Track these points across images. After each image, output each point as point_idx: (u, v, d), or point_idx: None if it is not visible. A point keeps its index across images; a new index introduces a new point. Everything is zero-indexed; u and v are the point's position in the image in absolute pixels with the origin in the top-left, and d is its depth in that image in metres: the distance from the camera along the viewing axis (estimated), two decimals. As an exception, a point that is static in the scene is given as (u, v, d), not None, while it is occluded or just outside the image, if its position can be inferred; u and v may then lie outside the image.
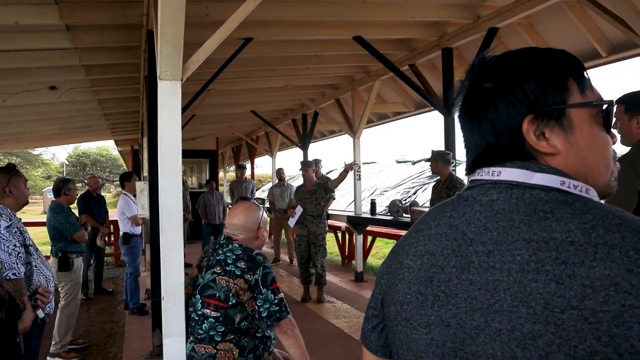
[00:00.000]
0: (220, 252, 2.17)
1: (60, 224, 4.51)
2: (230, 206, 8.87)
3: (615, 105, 2.36)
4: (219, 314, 2.04)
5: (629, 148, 2.36)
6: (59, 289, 4.44)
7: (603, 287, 0.56)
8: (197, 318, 2.09)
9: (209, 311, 2.06)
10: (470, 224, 0.70)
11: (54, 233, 4.54)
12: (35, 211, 29.29)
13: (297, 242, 6.44)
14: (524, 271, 0.61)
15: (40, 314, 2.59)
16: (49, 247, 4.63)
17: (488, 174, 0.72)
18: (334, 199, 6.29)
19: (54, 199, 4.81)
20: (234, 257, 2.12)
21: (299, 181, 7.32)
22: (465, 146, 0.79)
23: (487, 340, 0.62)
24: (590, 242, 0.59)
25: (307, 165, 6.44)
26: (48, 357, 4.39)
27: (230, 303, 2.03)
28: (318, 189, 6.31)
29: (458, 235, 0.71)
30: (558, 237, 0.61)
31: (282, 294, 2.13)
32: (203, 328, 2.06)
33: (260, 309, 2.05)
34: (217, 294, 2.05)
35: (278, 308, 2.07)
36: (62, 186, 4.73)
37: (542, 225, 0.63)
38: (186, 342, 2.11)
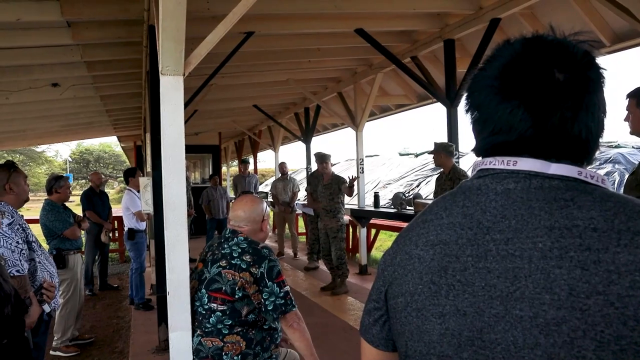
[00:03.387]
0: (225, 245, 2.17)
1: (50, 222, 4.49)
2: (233, 201, 8.88)
3: (628, 99, 2.39)
4: (225, 308, 2.05)
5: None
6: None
7: (629, 273, 0.57)
8: (204, 312, 2.11)
9: (215, 305, 2.07)
10: (486, 212, 0.69)
11: (46, 231, 4.52)
12: (39, 208, 29.33)
13: (318, 236, 6.98)
14: (546, 258, 0.61)
15: (47, 308, 2.60)
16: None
17: (502, 163, 0.71)
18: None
19: (46, 197, 4.76)
20: (240, 250, 2.13)
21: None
22: (487, 123, 0.72)
23: (507, 328, 0.62)
24: (614, 229, 0.60)
25: (326, 160, 6.44)
26: (50, 351, 4.42)
27: (236, 296, 2.04)
28: (333, 184, 6.31)
29: (473, 224, 0.70)
30: (580, 224, 0.61)
31: (287, 287, 2.14)
32: (210, 322, 2.07)
33: (266, 302, 2.07)
34: (224, 288, 2.06)
35: (284, 301, 2.08)
36: (54, 184, 4.68)
37: (564, 212, 0.63)
38: (193, 335, 2.13)
